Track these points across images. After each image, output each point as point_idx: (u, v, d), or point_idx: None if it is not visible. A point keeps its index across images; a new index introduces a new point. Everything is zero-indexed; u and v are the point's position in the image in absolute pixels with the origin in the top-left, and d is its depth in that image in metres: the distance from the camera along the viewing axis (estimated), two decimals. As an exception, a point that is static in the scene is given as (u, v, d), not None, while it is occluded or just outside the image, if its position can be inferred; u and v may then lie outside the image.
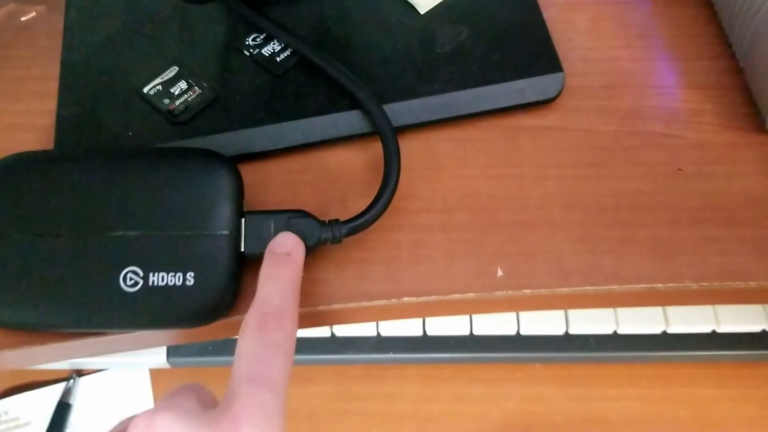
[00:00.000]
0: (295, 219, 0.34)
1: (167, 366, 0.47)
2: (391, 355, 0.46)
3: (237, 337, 0.30)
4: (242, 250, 0.34)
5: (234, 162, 0.35)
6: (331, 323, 0.37)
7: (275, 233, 0.34)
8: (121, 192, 0.33)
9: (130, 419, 0.26)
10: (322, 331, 0.45)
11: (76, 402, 0.50)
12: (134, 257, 0.33)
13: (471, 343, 0.45)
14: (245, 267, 0.35)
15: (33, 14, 0.47)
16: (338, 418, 0.47)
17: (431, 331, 0.44)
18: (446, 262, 0.35)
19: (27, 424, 0.50)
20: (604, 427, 0.46)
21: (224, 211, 0.34)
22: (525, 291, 0.34)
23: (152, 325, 0.34)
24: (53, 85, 0.42)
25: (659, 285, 0.34)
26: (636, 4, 0.44)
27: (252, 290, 0.35)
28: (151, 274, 0.33)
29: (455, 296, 0.34)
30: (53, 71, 0.43)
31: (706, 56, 0.41)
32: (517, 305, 0.35)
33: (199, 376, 0.49)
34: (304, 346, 0.46)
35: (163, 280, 0.33)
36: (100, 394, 0.50)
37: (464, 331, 0.44)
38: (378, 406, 0.48)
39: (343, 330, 0.45)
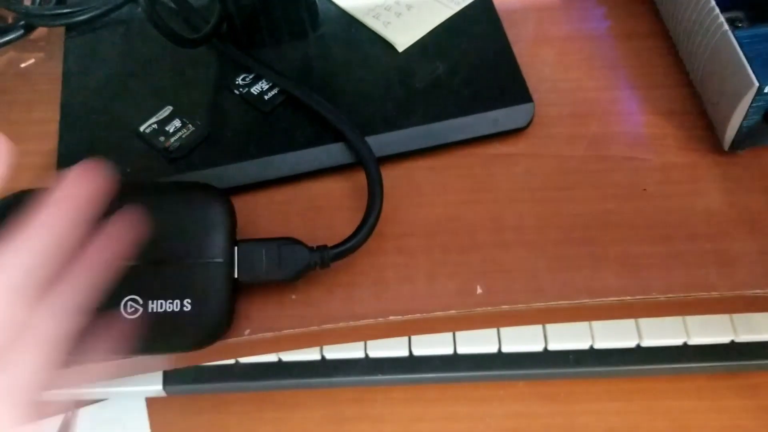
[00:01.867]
0: (285, 246, 0.36)
1: (163, 394, 0.49)
2: (379, 377, 0.47)
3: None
4: (236, 276, 0.36)
5: (227, 194, 0.37)
6: (321, 344, 0.39)
7: (266, 261, 0.36)
8: (121, 223, 0.35)
9: None
10: (312, 355, 0.47)
11: (76, 432, 0.51)
12: (134, 286, 0.35)
13: (455, 362, 0.47)
14: (239, 292, 0.37)
15: (32, 61, 0.49)
16: (330, 440, 0.49)
17: (417, 352, 0.46)
18: (428, 282, 0.37)
19: (27, 456, 0.51)
20: (586, 440, 0.48)
21: (218, 240, 0.36)
22: (503, 307, 0.36)
23: (152, 350, 0.36)
24: (53, 127, 0.44)
25: (629, 297, 0.36)
26: (599, 39, 0.47)
27: (247, 315, 0.37)
28: (150, 302, 0.35)
29: (438, 314, 0.37)
30: (53, 114, 0.45)
31: (666, 84, 0.44)
32: (496, 321, 0.38)
33: (195, 403, 0.51)
34: (296, 370, 0.48)
35: (161, 307, 0.35)
36: (98, 425, 0.51)
37: (448, 351, 0.46)
38: (368, 427, 0.49)
39: (332, 353, 0.47)
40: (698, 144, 0.41)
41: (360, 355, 0.47)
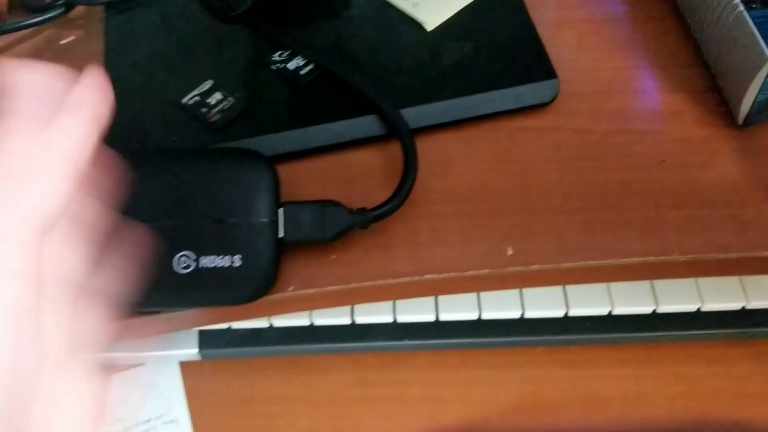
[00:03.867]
0: (327, 207, 0.39)
1: (198, 358, 0.51)
2: (405, 342, 0.50)
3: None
4: (281, 236, 0.38)
5: (270, 159, 0.39)
6: (360, 301, 0.41)
7: (310, 222, 0.38)
8: (175, 185, 0.38)
9: None
10: (343, 319, 0.49)
11: (111, 397, 0.53)
12: (186, 242, 0.37)
13: (479, 327, 0.49)
14: (283, 252, 0.39)
15: (72, 38, 0.51)
16: (356, 403, 0.51)
17: (443, 317, 0.48)
18: (461, 244, 0.40)
19: (63, 420, 0.53)
20: (601, 404, 0.50)
21: (264, 201, 0.38)
22: (534, 266, 0.39)
23: (203, 303, 0.38)
24: (95, 100, 0.46)
25: (651, 258, 0.39)
26: (617, 22, 0.49)
27: (291, 273, 0.39)
28: (202, 257, 0.37)
29: (471, 272, 0.39)
30: (94, 88, 0.47)
31: (682, 64, 0.46)
32: (527, 281, 0.40)
33: (227, 367, 0.53)
34: (327, 334, 0.50)
35: (212, 262, 0.37)
36: (133, 390, 0.53)
37: (473, 316, 0.48)
38: (393, 391, 0.52)
39: (362, 317, 0.49)
40: (713, 119, 0.44)
41: (389, 319, 0.49)
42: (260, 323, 0.50)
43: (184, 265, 0.37)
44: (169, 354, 0.51)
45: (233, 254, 0.37)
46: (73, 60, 0.50)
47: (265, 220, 0.37)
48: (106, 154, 0.31)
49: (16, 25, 0.50)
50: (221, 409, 0.52)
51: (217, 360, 0.52)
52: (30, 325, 0.24)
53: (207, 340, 0.50)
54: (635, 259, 0.39)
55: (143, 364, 0.54)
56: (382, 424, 0.51)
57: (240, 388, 0.53)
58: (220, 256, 0.37)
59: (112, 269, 0.31)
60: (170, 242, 0.37)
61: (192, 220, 0.37)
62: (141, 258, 0.33)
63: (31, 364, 0.24)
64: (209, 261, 0.37)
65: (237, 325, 0.50)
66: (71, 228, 0.28)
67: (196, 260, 0.37)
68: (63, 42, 0.51)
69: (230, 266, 0.37)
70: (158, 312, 0.38)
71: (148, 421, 0.52)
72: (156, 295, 0.37)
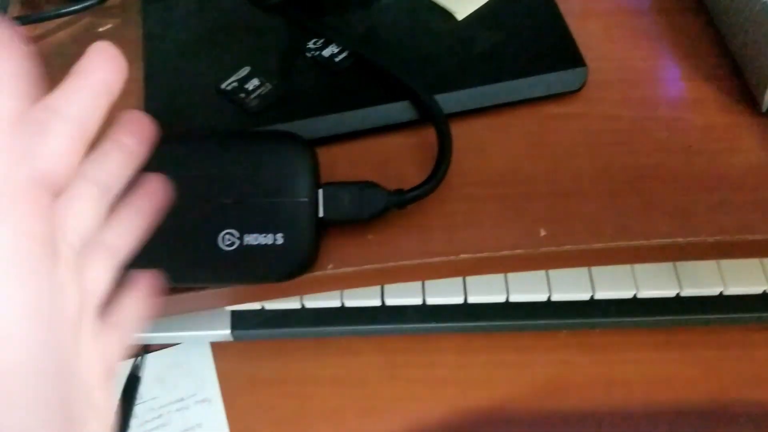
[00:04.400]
0: (366, 188, 0.40)
1: (231, 339, 0.52)
2: (433, 325, 0.51)
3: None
4: (321, 215, 0.39)
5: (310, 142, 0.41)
6: (397, 281, 0.42)
7: (349, 202, 0.39)
8: (219, 166, 0.39)
9: None
10: (373, 301, 0.50)
11: (144, 375, 0.54)
12: (230, 221, 0.38)
13: (506, 310, 0.50)
14: (322, 231, 0.40)
15: (109, 26, 0.52)
16: (385, 384, 0.53)
17: (472, 299, 0.50)
18: (495, 225, 0.41)
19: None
20: (624, 387, 0.52)
21: (304, 181, 0.39)
22: (566, 247, 0.40)
23: (246, 280, 0.39)
24: (134, 86, 0.47)
25: (680, 239, 0.40)
26: (641, 13, 0.50)
27: (330, 251, 0.40)
28: (246, 235, 0.38)
29: (506, 252, 0.40)
30: (132, 74, 0.47)
31: (705, 54, 0.47)
32: (559, 261, 0.41)
33: (258, 349, 0.54)
34: (357, 315, 0.51)
35: (256, 240, 0.38)
36: (166, 369, 0.55)
37: (501, 298, 0.49)
38: (420, 373, 0.53)
39: (392, 299, 0.50)
40: (737, 107, 0.45)
41: (418, 301, 0.50)
42: (292, 304, 0.51)
43: (229, 242, 0.38)
44: (202, 335, 0.52)
45: (276, 232, 0.38)
46: (111, 47, 0.51)
47: (305, 199, 0.39)
48: (132, 117, 0.32)
49: (54, 13, 0.51)
50: (252, 389, 0.54)
51: (248, 341, 0.53)
52: (45, 284, 0.25)
53: (239, 321, 0.51)
54: (664, 240, 0.40)
55: (177, 344, 0.55)
56: (410, 405, 0.52)
57: (270, 368, 0.54)
58: (263, 234, 0.38)
59: (123, 223, 0.32)
60: (215, 221, 0.38)
61: (236, 199, 0.38)
62: (153, 212, 0.33)
63: (50, 321, 0.25)
64: (252, 239, 0.38)
65: (269, 306, 0.52)
66: (88, 188, 0.29)
67: (240, 238, 0.38)
68: (100, 30, 0.52)
69: (273, 244, 0.38)
70: (202, 289, 0.40)
71: (182, 400, 0.53)
72: (201, 271, 0.38)
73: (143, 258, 0.37)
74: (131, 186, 0.32)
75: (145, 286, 0.33)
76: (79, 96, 0.28)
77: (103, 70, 0.29)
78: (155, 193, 0.34)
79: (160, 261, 0.37)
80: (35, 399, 0.24)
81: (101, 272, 0.30)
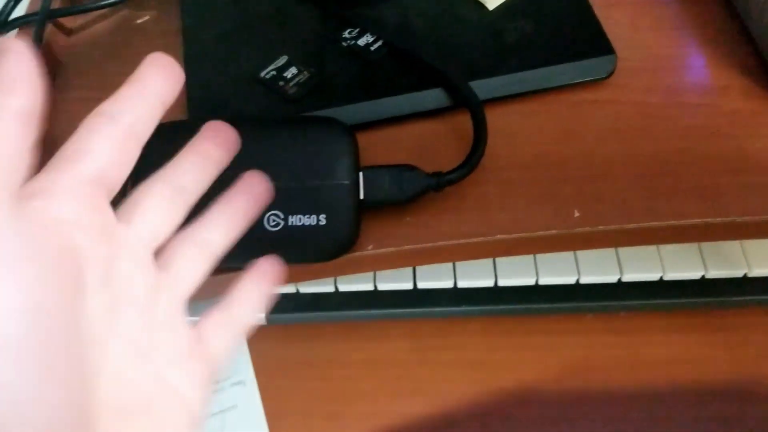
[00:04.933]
0: (405, 170, 0.41)
1: (264, 323, 0.53)
2: (463, 308, 0.52)
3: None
4: (361, 197, 0.40)
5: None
6: (434, 261, 0.43)
7: (388, 184, 0.41)
8: (262, 150, 0.40)
9: None
10: (405, 284, 0.52)
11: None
12: (276, 203, 0.39)
13: (534, 294, 0.52)
14: (363, 213, 0.41)
15: (146, 17, 0.54)
16: (415, 366, 0.54)
17: (502, 282, 0.51)
18: (529, 207, 0.42)
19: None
20: (649, 368, 0.53)
21: (345, 164, 0.40)
22: (599, 227, 0.41)
23: (291, 260, 0.40)
24: (173, 76, 0.49)
25: (710, 219, 0.41)
26: (665, 3, 0.52)
27: (370, 233, 0.41)
28: (290, 216, 0.39)
29: (540, 233, 0.41)
30: (172, 64, 0.50)
31: (730, 42, 0.49)
32: (591, 241, 0.42)
33: (290, 332, 0.55)
34: (389, 299, 0.53)
35: (300, 221, 0.39)
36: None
37: (531, 281, 0.51)
38: (449, 355, 0.54)
39: (424, 282, 0.52)
40: (762, 93, 0.46)
41: (449, 284, 0.51)
42: (326, 288, 0.52)
43: (274, 223, 0.39)
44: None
45: (318, 213, 0.39)
46: (149, 38, 0.52)
47: (347, 182, 0.40)
48: (213, 125, 0.34)
49: (93, 6, 0.53)
50: (285, 372, 0.55)
51: (280, 325, 0.55)
52: (92, 272, 0.25)
53: (273, 305, 0.52)
54: (694, 221, 0.41)
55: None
56: (440, 387, 0.54)
57: (303, 352, 0.55)
58: (307, 215, 0.39)
59: (215, 220, 0.33)
60: None
61: (281, 182, 0.40)
62: (252, 208, 0.35)
63: (100, 304, 0.25)
64: (296, 219, 0.39)
65: (303, 289, 0.53)
66: (159, 188, 0.31)
67: (285, 219, 0.39)
68: (138, 21, 0.54)
69: (316, 224, 0.39)
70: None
71: (217, 382, 0.55)
72: (247, 251, 0.39)
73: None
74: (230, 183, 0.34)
75: (263, 276, 0.34)
76: (133, 104, 0.29)
77: (157, 80, 0.30)
78: (253, 190, 0.35)
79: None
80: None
81: (189, 266, 0.31)
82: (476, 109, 0.43)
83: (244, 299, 0.33)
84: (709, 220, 0.41)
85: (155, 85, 0.30)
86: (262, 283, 0.34)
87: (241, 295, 0.33)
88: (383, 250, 0.41)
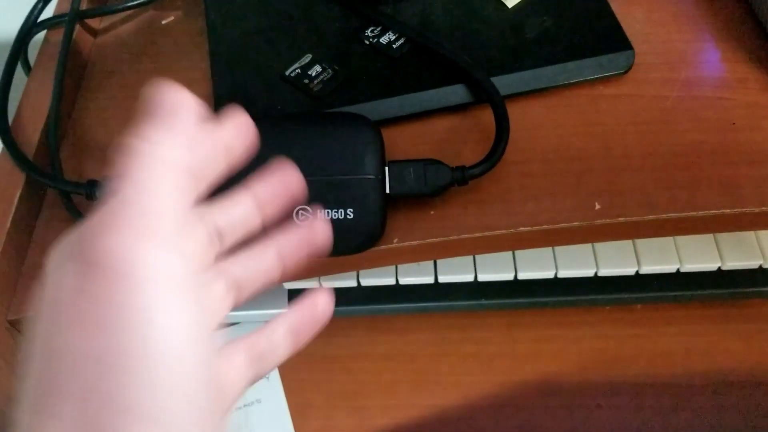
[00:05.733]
0: (430, 165, 0.42)
1: (288, 317, 0.54)
2: (483, 302, 0.53)
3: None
4: (387, 191, 0.41)
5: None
6: (458, 254, 0.44)
7: (414, 178, 0.42)
8: (290, 146, 0.41)
9: None
10: (427, 278, 0.53)
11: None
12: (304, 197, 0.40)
13: (553, 286, 0.53)
14: (388, 206, 0.42)
15: (171, 18, 0.55)
16: (436, 359, 0.55)
17: (521, 276, 0.52)
18: (551, 200, 0.43)
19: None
20: (666, 359, 0.54)
21: (373, 159, 0.41)
22: (620, 219, 0.42)
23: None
24: (199, 74, 0.50)
25: (727, 210, 0.42)
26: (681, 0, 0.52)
27: (396, 226, 0.42)
28: (319, 211, 0.40)
29: (563, 225, 0.42)
30: (197, 63, 0.51)
31: (745, 36, 0.50)
32: (613, 233, 0.43)
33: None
34: (411, 293, 0.54)
35: (328, 214, 0.40)
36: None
37: (550, 274, 0.52)
38: (470, 348, 0.55)
39: (445, 276, 0.52)
40: (778, 86, 0.47)
41: (470, 278, 0.52)
42: (348, 282, 0.53)
43: (303, 217, 0.40)
44: (260, 313, 0.54)
45: (346, 207, 0.40)
46: (174, 38, 0.54)
47: (373, 176, 0.41)
48: (278, 172, 0.34)
49: (119, 7, 0.54)
50: (308, 366, 0.56)
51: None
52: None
53: (296, 299, 0.53)
54: (712, 212, 0.42)
55: (236, 323, 0.57)
56: (462, 379, 0.54)
57: (326, 345, 0.56)
58: (335, 209, 0.40)
59: (254, 258, 0.33)
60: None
61: (310, 177, 0.40)
62: (305, 252, 0.34)
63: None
64: (325, 213, 0.40)
65: (326, 283, 0.54)
66: (205, 225, 0.31)
67: (313, 213, 0.40)
68: (164, 22, 0.55)
69: (344, 218, 0.40)
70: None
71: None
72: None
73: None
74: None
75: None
76: (201, 149, 0.29)
77: (229, 134, 0.31)
78: (310, 237, 0.35)
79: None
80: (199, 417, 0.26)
81: (222, 295, 0.31)
82: (498, 105, 0.44)
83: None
84: (726, 211, 0.42)
85: (225, 137, 0.31)
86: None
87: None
88: (409, 242, 0.42)
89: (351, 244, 0.41)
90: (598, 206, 0.43)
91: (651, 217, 0.42)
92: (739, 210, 0.42)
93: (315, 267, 0.44)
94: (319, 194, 0.40)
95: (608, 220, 0.42)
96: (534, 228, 0.42)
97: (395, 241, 0.42)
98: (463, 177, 0.42)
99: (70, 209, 0.43)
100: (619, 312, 0.55)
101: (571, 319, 0.55)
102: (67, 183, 0.44)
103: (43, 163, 0.46)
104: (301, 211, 0.40)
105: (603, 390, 0.53)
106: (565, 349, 0.54)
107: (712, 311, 0.55)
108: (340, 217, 0.40)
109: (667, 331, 0.55)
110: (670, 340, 0.54)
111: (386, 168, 0.42)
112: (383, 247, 0.42)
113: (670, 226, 0.43)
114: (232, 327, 0.57)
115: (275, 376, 0.56)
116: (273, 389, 0.56)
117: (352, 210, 0.40)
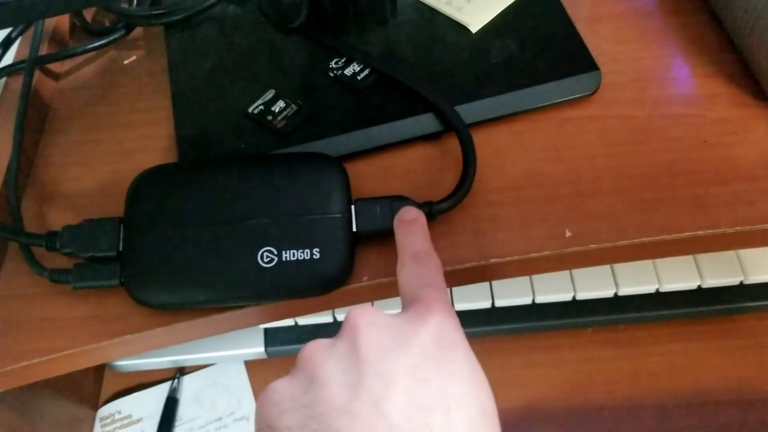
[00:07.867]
0: (396, 201, 0.41)
1: (264, 356, 0.53)
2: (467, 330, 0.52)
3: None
4: (354, 229, 0.41)
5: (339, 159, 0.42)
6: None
7: (381, 215, 0.41)
8: (253, 188, 0.40)
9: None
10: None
11: (182, 397, 0.56)
12: (267, 239, 0.40)
13: (533, 311, 0.52)
14: (357, 244, 0.41)
15: (133, 57, 0.54)
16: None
17: (499, 303, 0.51)
18: (521, 229, 0.42)
19: (139, 420, 0.55)
20: (651, 379, 0.53)
21: (337, 197, 0.41)
22: (591, 246, 0.41)
23: (287, 295, 0.40)
24: (161, 114, 0.49)
25: (701, 232, 0.41)
26: (649, 15, 0.52)
27: (364, 264, 0.42)
28: (284, 252, 0.39)
29: (533, 255, 0.41)
30: (159, 103, 0.50)
31: (713, 51, 0.49)
32: (584, 260, 0.42)
33: (291, 363, 0.55)
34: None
35: (294, 255, 0.39)
36: (202, 390, 0.56)
37: (527, 300, 0.51)
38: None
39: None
40: (747, 100, 0.46)
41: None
42: (325, 318, 0.52)
43: (268, 259, 0.39)
44: (236, 353, 0.54)
45: (312, 248, 0.40)
46: (137, 78, 0.53)
47: (339, 215, 0.40)
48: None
49: (81, 49, 0.53)
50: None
51: (281, 357, 0.55)
52: None
53: (272, 338, 0.52)
54: (686, 234, 0.41)
55: (212, 364, 0.56)
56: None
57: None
58: (301, 250, 0.40)
59: None
60: (254, 239, 0.39)
61: (274, 218, 0.40)
62: None
63: None
64: (290, 254, 0.39)
65: (302, 321, 0.53)
66: None
67: (278, 254, 0.39)
68: (126, 62, 0.54)
69: (310, 258, 0.39)
70: (241, 308, 0.41)
71: (220, 419, 0.55)
72: (242, 289, 0.40)
73: (191, 282, 0.39)
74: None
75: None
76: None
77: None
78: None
79: (203, 283, 0.39)
80: None
81: None
82: (464, 137, 0.44)
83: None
84: (699, 233, 0.41)
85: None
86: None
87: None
88: (378, 280, 0.41)
89: (319, 285, 0.40)
90: (568, 233, 0.42)
91: (623, 242, 0.41)
92: (713, 231, 0.41)
93: (285, 309, 0.43)
94: (284, 235, 0.40)
95: (580, 248, 0.41)
96: (504, 259, 0.42)
97: (365, 279, 0.42)
98: (430, 212, 0.41)
99: (30, 262, 0.42)
100: (601, 333, 0.54)
101: (551, 342, 0.55)
102: (29, 236, 0.43)
103: (3, 214, 0.45)
104: (265, 253, 0.40)
105: (590, 413, 0.53)
106: (548, 373, 0.54)
107: (696, 328, 0.54)
108: (306, 258, 0.40)
109: (650, 351, 0.54)
110: (653, 359, 0.54)
111: (352, 206, 0.41)
112: (353, 286, 0.41)
113: (643, 251, 0.42)
114: (208, 368, 0.57)
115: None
116: (253, 430, 0.55)
117: (318, 250, 0.40)
